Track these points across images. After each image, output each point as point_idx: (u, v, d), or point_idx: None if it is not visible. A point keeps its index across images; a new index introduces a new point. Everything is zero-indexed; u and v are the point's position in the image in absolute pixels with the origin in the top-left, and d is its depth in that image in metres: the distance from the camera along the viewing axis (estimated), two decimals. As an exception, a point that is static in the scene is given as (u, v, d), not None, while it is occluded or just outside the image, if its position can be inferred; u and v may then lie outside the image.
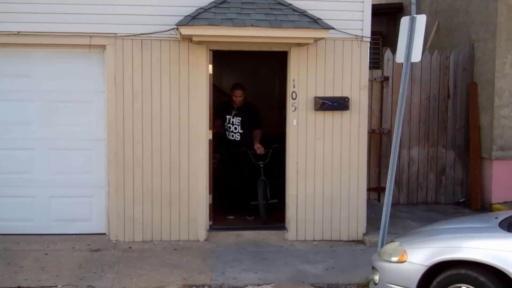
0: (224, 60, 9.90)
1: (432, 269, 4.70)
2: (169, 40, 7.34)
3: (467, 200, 9.67)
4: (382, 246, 6.01)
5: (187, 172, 7.48)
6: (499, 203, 9.11)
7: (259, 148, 8.17)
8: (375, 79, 9.44)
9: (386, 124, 9.50)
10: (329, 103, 7.52)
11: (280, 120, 8.94)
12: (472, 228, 5.16)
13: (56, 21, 7.18)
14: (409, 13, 6.50)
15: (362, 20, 7.54)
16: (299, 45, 7.45)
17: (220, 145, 8.58)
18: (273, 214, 8.11)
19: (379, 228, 6.34)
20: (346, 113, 7.63)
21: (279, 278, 6.31)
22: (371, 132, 9.22)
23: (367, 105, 7.77)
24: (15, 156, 7.52)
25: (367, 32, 7.57)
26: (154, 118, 7.41)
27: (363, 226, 7.79)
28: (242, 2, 7.17)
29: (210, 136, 7.59)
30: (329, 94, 7.59)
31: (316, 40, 7.32)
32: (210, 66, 7.53)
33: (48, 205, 7.59)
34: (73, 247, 7.20)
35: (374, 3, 7.88)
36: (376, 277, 5.15)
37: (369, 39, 7.62)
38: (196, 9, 7.02)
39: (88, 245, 7.29)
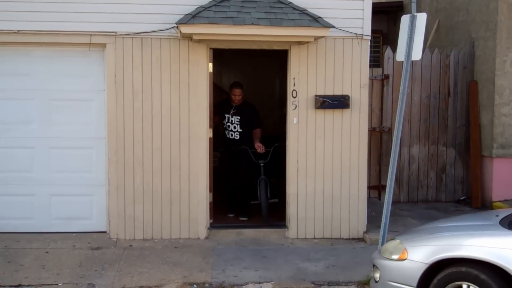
0: (225, 58, 9.90)
1: (432, 267, 4.70)
2: (169, 38, 7.34)
3: (468, 198, 9.68)
4: (382, 244, 6.01)
5: (187, 170, 7.49)
6: (499, 201, 9.11)
7: (259, 147, 8.16)
8: (375, 77, 9.44)
9: (387, 122, 9.50)
10: (330, 101, 7.52)
11: (281, 119, 8.94)
12: (473, 226, 5.15)
13: (56, 20, 7.18)
14: (409, 12, 6.50)
15: (363, 19, 7.54)
16: (299, 43, 7.45)
17: (220, 143, 8.57)
18: (273, 212, 8.12)
19: (379, 226, 6.35)
20: (346, 111, 7.63)
21: (280, 276, 6.32)
22: (371, 130, 9.22)
23: (367, 103, 7.77)
24: (16, 155, 7.52)
25: (367, 30, 7.57)
26: (155, 117, 7.41)
27: (364, 224, 7.79)
28: (242, 1, 7.16)
29: (211, 135, 7.60)
30: (329, 92, 7.59)
31: (317, 38, 7.32)
32: (210, 65, 7.53)
33: (49, 203, 7.59)
34: (74, 245, 7.20)
35: (374, 1, 7.89)
36: (377, 275, 5.15)
37: (369, 38, 7.62)
38: (196, 8, 7.02)
39: (89, 243, 7.30)
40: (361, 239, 7.71)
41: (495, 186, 9.23)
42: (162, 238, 7.52)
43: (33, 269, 6.40)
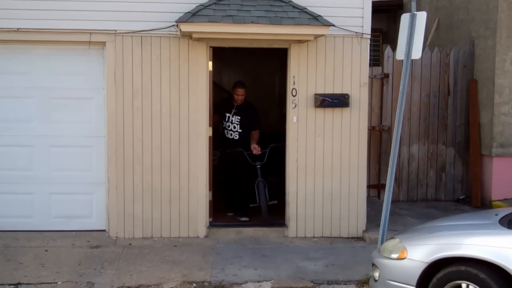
0: (224, 57, 9.89)
1: (432, 266, 4.70)
2: (169, 37, 7.33)
3: (467, 197, 9.68)
4: (382, 243, 6.02)
5: (187, 169, 7.48)
6: (499, 200, 9.11)
7: (255, 148, 8.08)
8: (375, 76, 9.43)
9: (386, 121, 9.50)
10: (329, 100, 7.51)
11: (280, 117, 8.93)
12: (472, 225, 5.16)
13: (56, 18, 7.17)
14: (409, 10, 6.50)
15: (362, 17, 7.53)
16: (299, 42, 7.44)
17: (219, 142, 8.54)
18: (272, 211, 8.10)
19: (379, 225, 6.35)
20: (346, 110, 7.63)
21: (279, 275, 6.32)
22: (371, 129, 9.21)
23: (367, 102, 7.76)
24: (15, 153, 7.52)
25: (367, 29, 7.56)
26: (154, 115, 7.41)
27: (363, 223, 7.79)
28: (242, -1, 7.17)
29: (210, 133, 7.59)
30: (329, 91, 7.59)
31: (316, 37, 7.31)
32: (210, 63, 7.52)
33: (48, 202, 7.59)
34: (73, 244, 7.20)
35: (374, 0, 7.87)
36: (376, 274, 5.15)
37: (369, 36, 7.61)
38: (196, 6, 7.01)
39: (88, 241, 7.29)
40: (360, 238, 7.71)
41: (494, 185, 9.23)
42: (161, 237, 7.52)
43: (32, 268, 6.40)
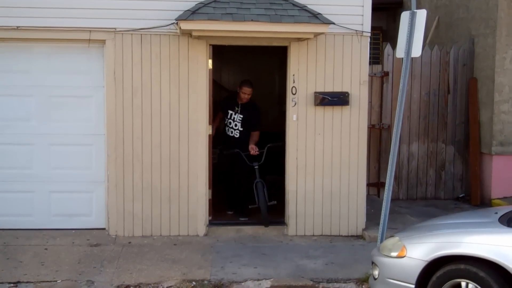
0: (224, 55, 9.89)
1: (431, 264, 4.70)
2: (169, 35, 7.33)
3: (467, 196, 9.68)
4: (381, 241, 6.01)
5: (186, 167, 7.48)
6: (498, 199, 9.11)
7: (253, 149, 8.01)
8: (375, 74, 9.43)
9: (386, 119, 9.49)
10: (329, 98, 7.51)
11: (280, 116, 8.92)
12: (472, 223, 5.16)
13: (56, 16, 7.16)
14: (409, 8, 6.49)
15: (362, 15, 7.52)
16: (299, 40, 7.44)
17: (219, 140, 8.53)
18: (272, 210, 8.08)
19: (378, 223, 6.35)
20: (346, 108, 7.63)
21: (279, 273, 6.32)
22: (371, 128, 9.21)
23: (367, 100, 7.76)
24: (15, 152, 7.51)
25: (367, 27, 7.55)
26: (154, 113, 7.40)
27: (363, 221, 7.79)
28: (242, -3, 7.16)
29: (210, 131, 7.59)
30: (329, 89, 7.58)
31: (316, 35, 7.31)
32: (210, 61, 7.51)
33: (48, 200, 7.59)
34: (73, 242, 7.20)
35: (374, -2, 7.87)
36: (376, 272, 5.15)
37: (369, 34, 7.60)
38: (196, 4, 7.01)
39: (88, 240, 7.29)
40: (360, 236, 7.71)
41: (494, 184, 9.23)
42: (161, 235, 7.52)
43: (32, 266, 6.40)
